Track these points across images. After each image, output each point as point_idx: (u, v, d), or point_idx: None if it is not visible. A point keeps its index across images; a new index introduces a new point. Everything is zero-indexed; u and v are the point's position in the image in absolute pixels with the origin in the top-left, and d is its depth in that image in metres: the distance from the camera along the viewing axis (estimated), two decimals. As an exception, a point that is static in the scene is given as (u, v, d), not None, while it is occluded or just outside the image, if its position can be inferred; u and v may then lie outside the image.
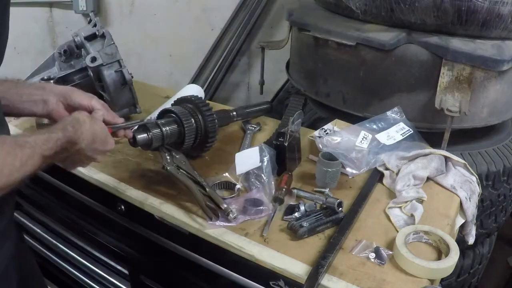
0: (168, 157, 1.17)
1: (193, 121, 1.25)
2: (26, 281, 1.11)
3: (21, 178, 0.81)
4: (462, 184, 1.24)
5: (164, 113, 1.28)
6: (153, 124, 1.19)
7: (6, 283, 0.98)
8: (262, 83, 2.37)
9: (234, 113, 1.50)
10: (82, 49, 1.49)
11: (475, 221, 1.27)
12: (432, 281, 0.95)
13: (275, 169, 1.23)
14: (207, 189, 1.10)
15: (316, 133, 1.39)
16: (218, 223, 1.06)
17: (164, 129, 1.19)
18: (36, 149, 0.83)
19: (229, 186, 1.22)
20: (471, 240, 1.30)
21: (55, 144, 0.86)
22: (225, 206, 1.06)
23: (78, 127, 0.91)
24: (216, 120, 1.29)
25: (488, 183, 1.65)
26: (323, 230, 1.06)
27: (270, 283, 0.99)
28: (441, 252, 1.03)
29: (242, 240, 1.03)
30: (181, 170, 1.15)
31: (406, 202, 1.15)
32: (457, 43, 1.49)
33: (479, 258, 1.88)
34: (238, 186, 1.18)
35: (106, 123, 1.06)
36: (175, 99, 1.38)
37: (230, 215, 1.05)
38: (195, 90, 1.66)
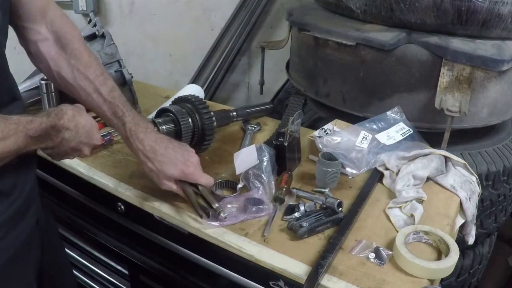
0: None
1: (190, 120, 1.25)
2: (48, 250, 1.13)
3: (3, 154, 0.81)
4: (462, 184, 1.24)
5: (161, 112, 1.28)
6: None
7: (28, 251, 1.00)
8: (262, 83, 2.36)
9: (234, 113, 1.50)
10: (82, 49, 1.48)
11: (475, 221, 1.27)
12: (432, 281, 0.95)
13: (275, 169, 1.23)
14: (199, 188, 1.10)
15: (316, 133, 1.38)
16: (209, 222, 1.06)
17: (161, 128, 1.20)
18: (20, 127, 0.83)
19: (230, 185, 1.22)
20: (471, 240, 1.30)
21: (39, 127, 0.86)
22: (217, 205, 1.06)
23: (61, 116, 0.91)
24: (213, 119, 1.29)
25: (488, 183, 1.65)
26: (323, 230, 1.06)
27: (270, 283, 0.99)
28: (441, 252, 1.02)
29: (241, 240, 1.03)
30: None
31: (406, 202, 1.15)
32: (457, 43, 1.48)
33: (479, 258, 1.88)
34: (240, 185, 1.18)
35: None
36: (175, 99, 1.38)
37: (221, 214, 1.04)
38: (195, 90, 1.66)
